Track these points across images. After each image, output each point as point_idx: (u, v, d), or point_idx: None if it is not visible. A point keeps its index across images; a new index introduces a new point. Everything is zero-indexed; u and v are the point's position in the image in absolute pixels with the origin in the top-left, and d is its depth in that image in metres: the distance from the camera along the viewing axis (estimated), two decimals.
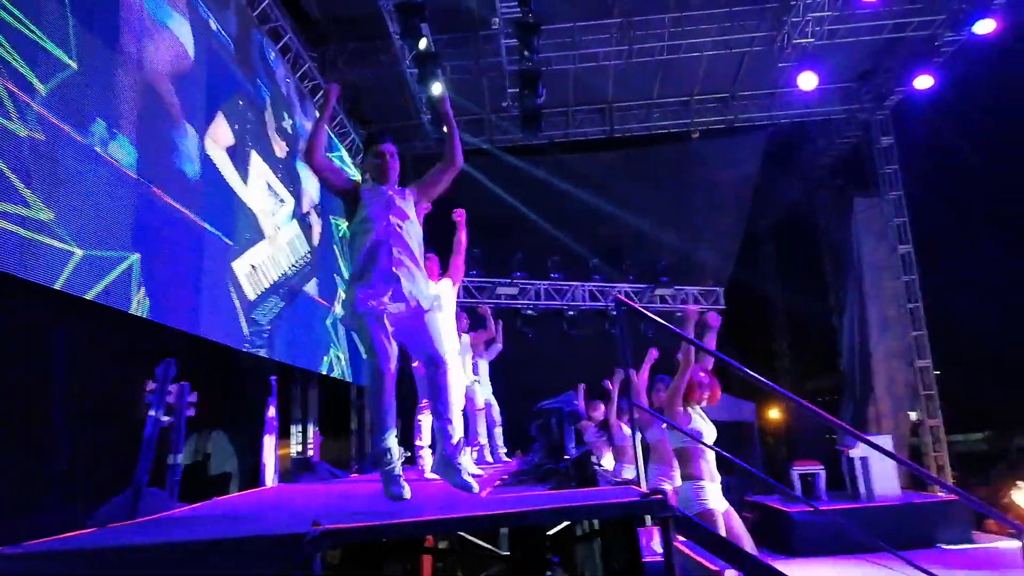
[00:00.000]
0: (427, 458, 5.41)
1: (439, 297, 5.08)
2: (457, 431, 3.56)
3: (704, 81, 12.23)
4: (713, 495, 4.45)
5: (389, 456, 3.34)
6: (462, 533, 4.57)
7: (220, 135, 7.09)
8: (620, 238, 13.90)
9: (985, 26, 9.87)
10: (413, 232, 3.57)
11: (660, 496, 2.73)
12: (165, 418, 4.45)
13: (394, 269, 3.40)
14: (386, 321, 3.36)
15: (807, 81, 10.68)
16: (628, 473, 6.13)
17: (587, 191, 12.96)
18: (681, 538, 2.85)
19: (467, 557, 4.97)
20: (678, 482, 4.67)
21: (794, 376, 16.22)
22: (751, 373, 3.76)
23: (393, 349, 3.39)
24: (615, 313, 3.65)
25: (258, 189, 7.89)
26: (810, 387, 16.37)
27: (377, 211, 3.49)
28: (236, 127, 7.44)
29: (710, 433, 4.59)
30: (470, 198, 12.63)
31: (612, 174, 13.13)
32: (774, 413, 15.20)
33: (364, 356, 3.48)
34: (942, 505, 9.47)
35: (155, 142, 5.85)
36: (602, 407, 7.72)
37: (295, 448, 9.41)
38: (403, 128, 12.67)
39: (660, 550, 2.61)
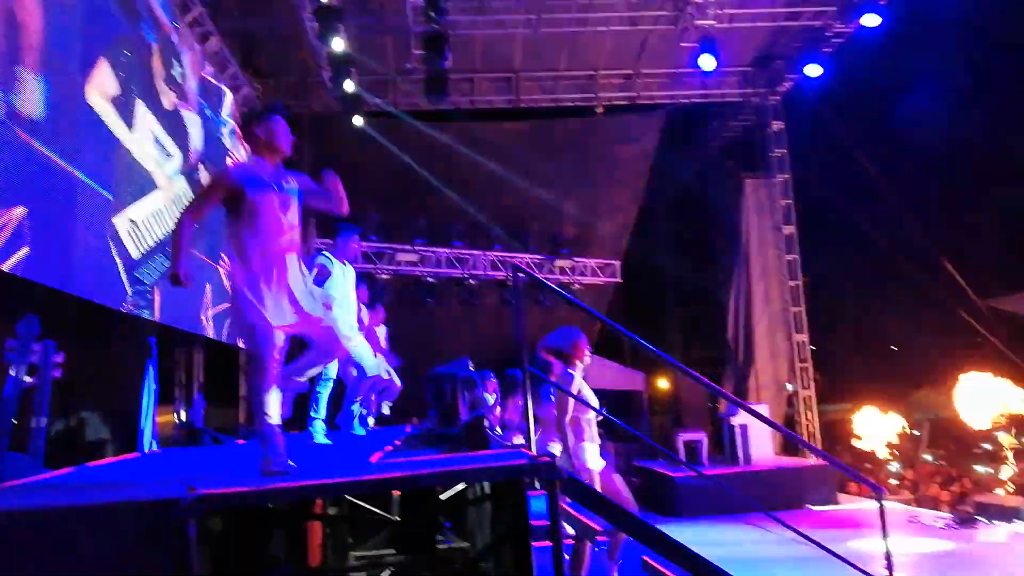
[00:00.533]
0: (319, 427, 5.32)
1: (326, 294, 4.97)
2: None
3: (609, 57, 12.36)
4: (592, 455, 4.63)
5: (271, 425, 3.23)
6: (351, 498, 4.52)
7: (101, 83, 6.58)
8: (523, 209, 13.98)
9: (871, 20, 10.42)
10: (297, 224, 3.38)
11: (548, 459, 2.78)
12: (27, 378, 4.14)
13: (289, 280, 3.23)
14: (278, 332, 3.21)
15: (707, 63, 10.99)
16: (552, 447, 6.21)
17: (492, 160, 12.92)
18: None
19: (357, 523, 4.92)
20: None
21: (682, 347, 16.90)
22: (646, 344, 3.87)
23: (281, 343, 3.25)
24: (513, 282, 3.65)
25: (143, 142, 7.41)
26: (696, 358, 17.12)
27: (268, 207, 3.23)
28: (120, 75, 6.92)
29: (592, 397, 4.77)
30: (372, 161, 12.42)
31: (517, 144, 13.12)
32: (663, 383, 15.82)
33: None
34: (811, 470, 10.17)
35: (24, 85, 5.36)
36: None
37: (178, 414, 9.01)
38: (301, 84, 12.19)
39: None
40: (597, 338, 11.00)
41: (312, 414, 5.32)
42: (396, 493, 4.78)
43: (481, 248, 14.05)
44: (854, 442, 11.19)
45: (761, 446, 10.47)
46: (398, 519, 4.44)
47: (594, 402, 4.68)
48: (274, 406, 3.13)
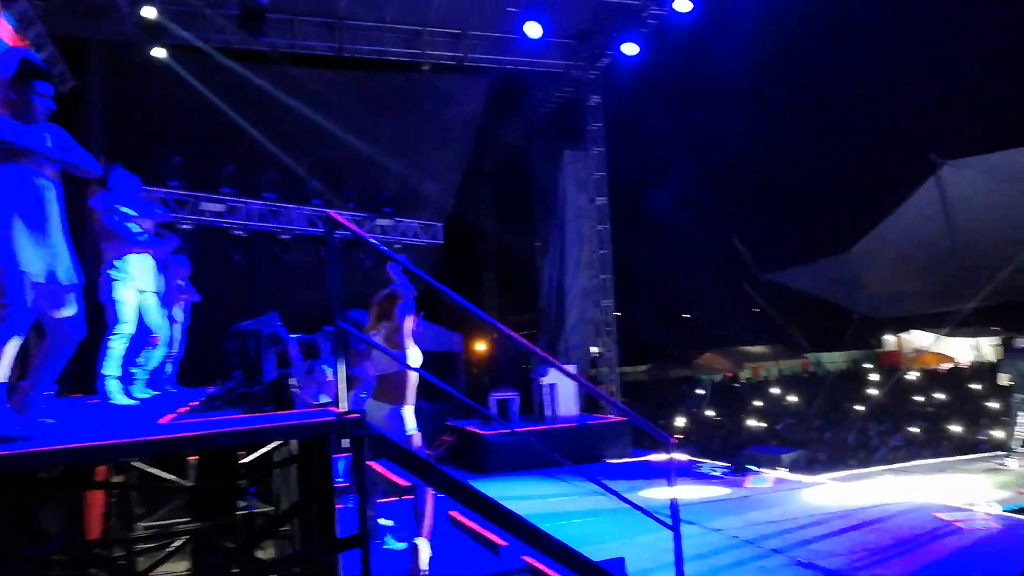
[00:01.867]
0: (114, 386, 4.86)
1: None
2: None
3: (437, 14, 12.10)
4: (411, 417, 4.62)
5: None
6: (141, 465, 4.16)
7: None
8: (343, 163, 13.48)
9: (684, 4, 11.06)
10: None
11: (356, 415, 2.70)
12: None
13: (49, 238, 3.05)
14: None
15: (533, 30, 11.12)
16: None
17: (311, 109, 12.30)
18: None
19: (147, 490, 4.56)
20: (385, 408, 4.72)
21: (499, 310, 17.32)
22: (473, 308, 3.88)
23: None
24: (326, 235, 3.50)
25: None
26: (512, 321, 17.64)
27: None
28: None
29: (418, 358, 4.74)
30: (174, 99, 11.33)
31: (340, 95, 12.57)
32: (480, 345, 16.14)
33: None
34: (610, 425, 10.86)
35: None
36: None
37: None
38: (92, 3, 10.80)
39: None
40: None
41: (105, 372, 4.85)
42: (193, 458, 4.47)
43: (296, 202, 13.39)
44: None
45: (567, 404, 11.01)
46: (193, 485, 4.16)
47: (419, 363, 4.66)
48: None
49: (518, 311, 17.51)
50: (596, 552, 5.88)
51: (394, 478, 3.18)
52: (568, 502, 7.84)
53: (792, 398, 18.54)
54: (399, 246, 14.30)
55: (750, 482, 8.50)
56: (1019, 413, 9.65)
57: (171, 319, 6.49)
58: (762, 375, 29.38)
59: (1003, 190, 13.79)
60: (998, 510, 6.65)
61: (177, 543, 3.71)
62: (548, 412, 10.90)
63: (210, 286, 7.94)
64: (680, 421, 15.93)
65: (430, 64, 12.76)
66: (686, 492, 8.06)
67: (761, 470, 9.03)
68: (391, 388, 4.65)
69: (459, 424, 11.67)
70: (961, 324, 15.05)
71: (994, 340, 25.56)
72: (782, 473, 8.95)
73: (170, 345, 6.41)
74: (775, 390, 20.33)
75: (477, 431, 10.44)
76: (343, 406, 3.06)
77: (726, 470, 9.15)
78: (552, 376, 10.77)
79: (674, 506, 4.12)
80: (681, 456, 10.67)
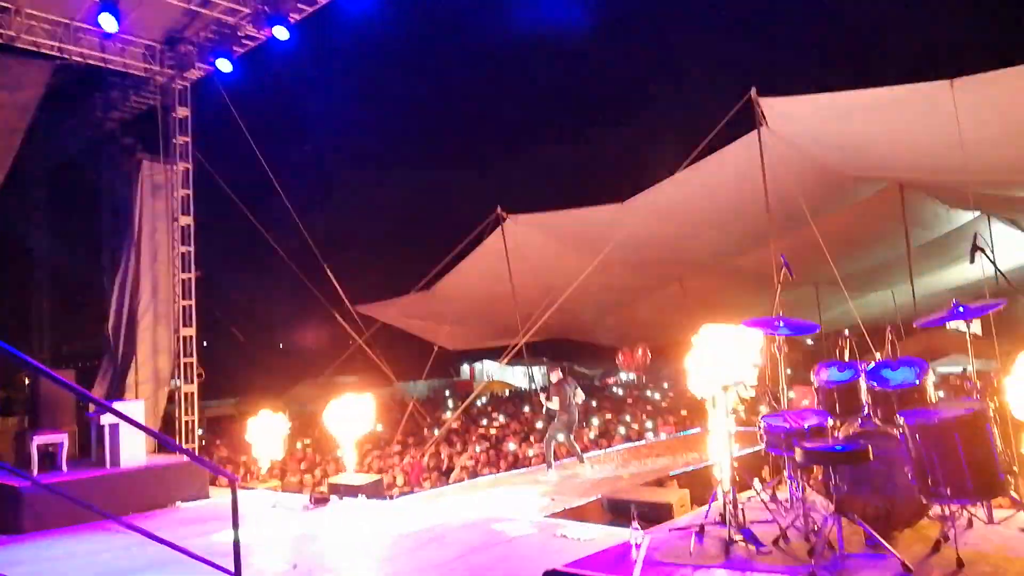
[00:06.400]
0: None
1: None
2: None
3: None
4: None
5: None
6: None
7: None
8: None
9: (281, 33, 10.96)
10: None
11: None
12: None
13: None
14: None
15: (108, 23, 9.89)
16: None
17: None
18: None
19: None
20: None
21: (55, 336, 14.77)
22: None
23: None
24: None
25: None
26: (72, 350, 15.19)
27: None
28: None
29: None
30: None
31: None
32: (21, 378, 13.52)
33: None
34: (183, 467, 9.94)
35: None
36: None
37: None
38: None
39: None
40: None
41: None
42: None
43: None
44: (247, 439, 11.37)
45: (134, 445, 9.79)
46: None
47: None
48: None
49: (80, 338, 15.16)
50: None
51: None
52: (124, 557, 6.89)
53: (379, 427, 19.27)
54: None
55: (328, 512, 8.56)
56: (557, 432, 11.45)
57: None
58: None
59: (548, 245, 16.46)
60: (538, 517, 7.73)
61: None
62: (107, 455, 9.55)
63: None
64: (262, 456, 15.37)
65: None
66: (260, 529, 7.75)
67: (343, 499, 9.15)
68: None
69: None
70: (517, 355, 17.37)
71: (543, 369, 30.20)
72: (361, 500, 9.17)
73: None
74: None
75: (8, 484, 8.63)
76: None
77: (306, 503, 9.06)
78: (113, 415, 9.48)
79: (236, 547, 3.88)
80: (262, 491, 10.29)
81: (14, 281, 14.66)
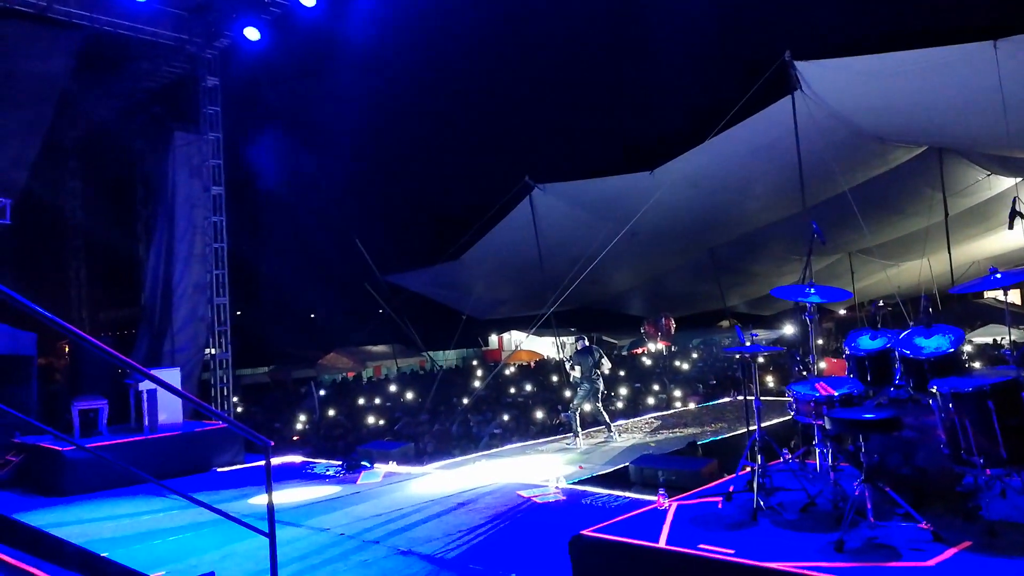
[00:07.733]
0: None
1: None
2: None
3: None
4: None
5: None
6: None
7: None
8: None
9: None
10: None
11: None
12: None
13: None
14: None
15: None
16: None
17: None
18: None
19: None
20: None
21: (91, 306, 15.09)
22: (26, 302, 3.19)
23: None
24: None
25: None
26: (108, 318, 15.52)
27: None
28: None
29: None
30: None
31: None
32: (61, 345, 13.88)
33: None
34: (219, 431, 10.18)
35: None
36: None
37: None
38: None
39: None
40: None
41: None
42: None
43: None
44: None
45: (171, 411, 10.06)
46: None
47: None
48: None
49: (115, 307, 15.47)
50: (190, 568, 5.46)
51: None
52: (164, 519, 7.12)
53: (409, 395, 19.51)
54: None
55: (362, 478, 8.70)
56: (582, 400, 11.47)
57: None
58: (383, 373, 30.47)
59: (577, 214, 16.35)
60: (564, 484, 7.79)
61: None
62: (147, 421, 9.81)
63: None
64: (301, 422, 15.68)
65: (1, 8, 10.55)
66: (296, 494, 7.93)
67: (374, 466, 9.29)
68: None
69: (30, 440, 9.85)
70: (545, 325, 17.39)
71: (571, 338, 30.22)
72: (392, 467, 9.32)
73: None
74: (393, 387, 21.20)
75: (52, 447, 8.92)
76: None
77: (339, 468, 9.22)
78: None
79: (270, 510, 3.97)
80: (295, 458, 10.49)
81: (51, 250, 14.96)
